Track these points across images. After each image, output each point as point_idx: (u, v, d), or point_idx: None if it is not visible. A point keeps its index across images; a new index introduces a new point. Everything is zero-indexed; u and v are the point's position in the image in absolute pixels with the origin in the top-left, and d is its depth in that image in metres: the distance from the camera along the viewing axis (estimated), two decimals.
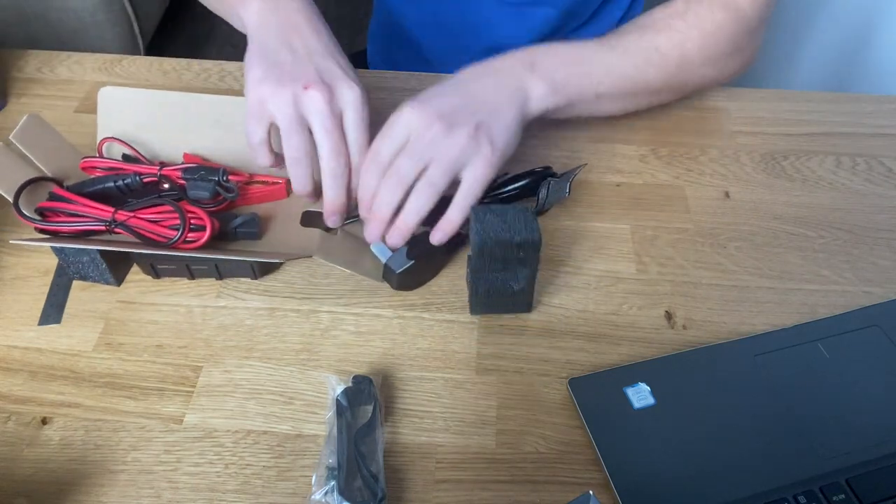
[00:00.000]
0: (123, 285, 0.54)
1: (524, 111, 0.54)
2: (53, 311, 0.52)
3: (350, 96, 0.51)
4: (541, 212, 0.57)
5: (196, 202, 0.52)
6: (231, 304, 0.53)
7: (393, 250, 0.52)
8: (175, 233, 0.49)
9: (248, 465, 0.45)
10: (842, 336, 0.51)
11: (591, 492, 0.38)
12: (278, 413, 0.47)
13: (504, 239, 0.46)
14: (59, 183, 0.54)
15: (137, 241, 0.51)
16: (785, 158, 0.65)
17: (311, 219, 0.55)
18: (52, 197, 0.52)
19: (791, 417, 0.46)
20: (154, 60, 0.73)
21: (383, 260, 0.52)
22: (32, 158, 0.54)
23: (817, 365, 0.49)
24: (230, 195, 0.53)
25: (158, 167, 0.54)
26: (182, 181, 0.53)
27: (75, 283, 0.54)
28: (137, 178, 0.53)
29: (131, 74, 0.72)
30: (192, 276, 0.54)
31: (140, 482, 0.44)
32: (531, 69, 0.55)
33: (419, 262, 0.52)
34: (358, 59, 1.00)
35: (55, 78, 0.72)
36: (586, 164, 0.54)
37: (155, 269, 0.53)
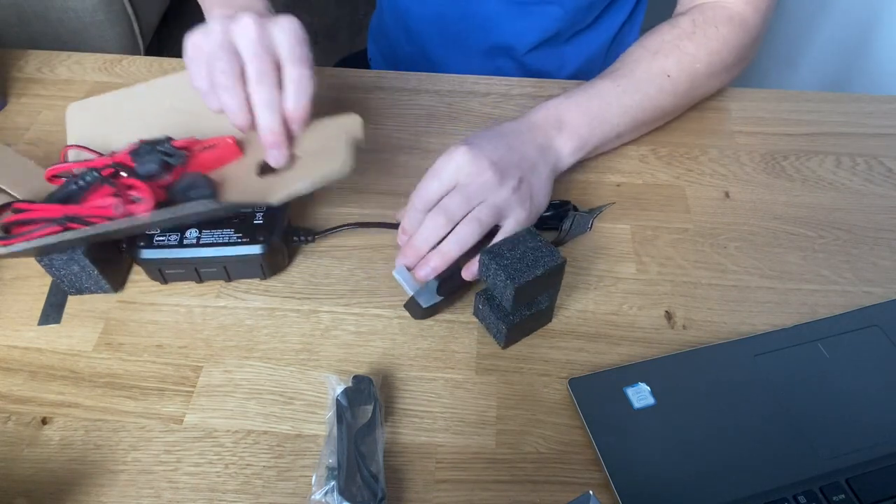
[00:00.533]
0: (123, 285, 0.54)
1: (556, 168, 0.57)
2: (53, 311, 0.52)
3: (285, 22, 0.49)
4: (560, 243, 0.57)
5: (150, 177, 0.51)
6: (231, 304, 0.53)
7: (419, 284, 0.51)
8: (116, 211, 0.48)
9: (248, 465, 0.45)
10: (842, 336, 0.51)
11: (591, 492, 0.38)
12: (278, 413, 0.47)
13: (534, 276, 0.45)
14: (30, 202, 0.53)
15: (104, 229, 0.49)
16: (785, 158, 0.65)
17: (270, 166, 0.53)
18: (14, 210, 0.51)
19: (791, 417, 0.46)
20: (154, 60, 0.73)
21: (410, 292, 0.51)
22: (4, 187, 0.52)
23: (817, 365, 0.49)
24: (175, 160, 0.52)
25: (110, 156, 0.53)
26: (133, 163, 0.52)
27: None
28: (95, 172, 0.52)
29: (131, 74, 0.72)
30: (200, 279, 0.54)
31: (140, 482, 0.44)
32: (559, 128, 0.57)
33: (446, 298, 0.51)
34: (358, 59, 1.01)
35: (55, 78, 0.72)
36: (614, 203, 0.54)
37: (163, 274, 0.53)
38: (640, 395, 0.47)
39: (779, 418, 0.46)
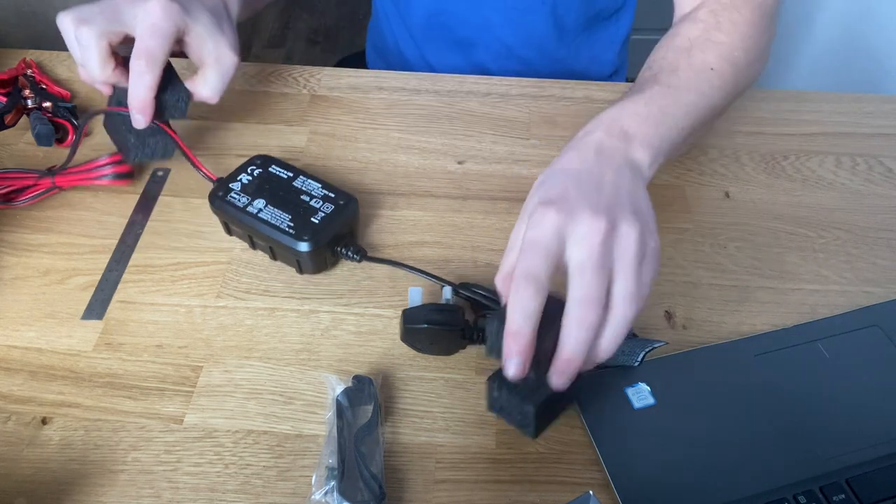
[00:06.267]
0: (123, 285, 0.54)
1: (645, 184, 0.46)
2: (98, 306, 0.53)
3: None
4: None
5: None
6: (231, 304, 0.53)
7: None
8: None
9: (248, 465, 0.45)
10: (842, 336, 0.51)
11: (591, 492, 0.38)
12: (278, 413, 0.47)
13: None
14: None
15: None
16: (785, 158, 0.65)
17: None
18: None
19: (791, 417, 0.46)
20: None
21: (409, 304, 0.49)
22: None
23: (817, 365, 0.49)
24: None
25: None
26: None
27: (79, 283, 0.54)
28: None
29: None
30: (253, 246, 0.56)
31: (140, 482, 0.44)
32: (627, 140, 0.47)
33: (433, 329, 0.48)
34: (358, 59, 1.01)
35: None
36: (668, 344, 0.50)
37: (228, 227, 0.57)
38: (640, 395, 0.47)
39: (779, 418, 0.46)
